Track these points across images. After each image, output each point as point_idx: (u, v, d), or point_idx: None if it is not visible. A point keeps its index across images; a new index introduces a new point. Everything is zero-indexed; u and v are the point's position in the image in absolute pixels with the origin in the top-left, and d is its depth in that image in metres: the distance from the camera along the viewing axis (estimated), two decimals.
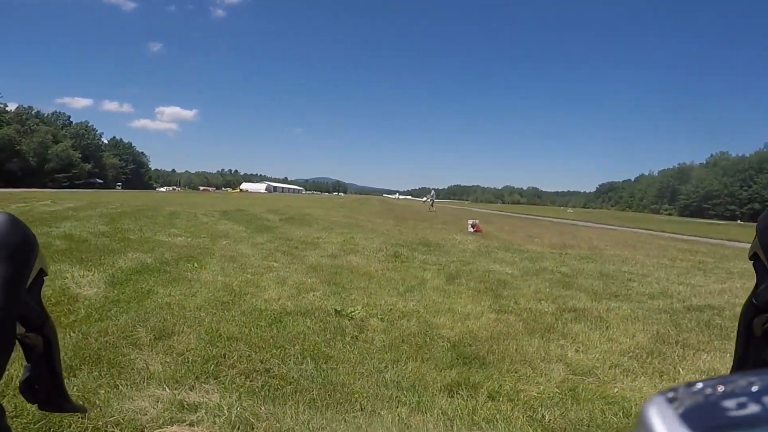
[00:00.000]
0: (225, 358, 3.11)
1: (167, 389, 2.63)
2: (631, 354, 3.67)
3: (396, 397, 2.68)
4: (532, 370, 3.22)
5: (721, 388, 0.23)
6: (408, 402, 2.64)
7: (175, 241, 8.50)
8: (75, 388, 2.58)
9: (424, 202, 39.01)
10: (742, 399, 0.22)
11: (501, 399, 2.75)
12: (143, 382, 2.69)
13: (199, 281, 5.25)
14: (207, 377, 2.81)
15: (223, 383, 2.74)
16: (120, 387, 2.62)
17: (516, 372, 3.16)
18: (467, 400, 2.71)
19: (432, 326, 4.02)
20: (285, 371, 2.94)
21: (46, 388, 0.49)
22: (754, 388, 0.23)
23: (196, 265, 6.21)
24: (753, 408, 0.22)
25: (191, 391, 2.65)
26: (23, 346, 0.47)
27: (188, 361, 3.02)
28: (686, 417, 0.22)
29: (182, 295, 4.61)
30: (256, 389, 2.68)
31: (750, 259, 0.47)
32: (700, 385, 0.24)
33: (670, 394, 0.24)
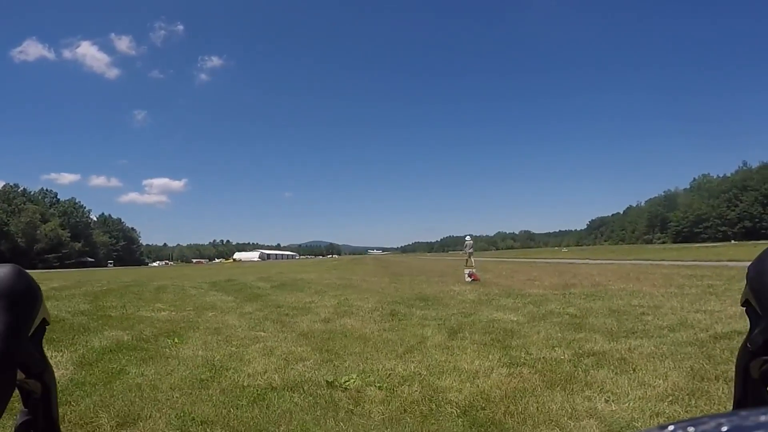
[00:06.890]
0: None
1: None
2: (671, 398, 3.21)
3: None
4: (561, 431, 2.75)
5: (691, 430, 0.22)
6: None
7: (158, 316, 8.00)
8: None
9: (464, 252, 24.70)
10: None
11: None
12: None
13: (178, 358, 4.76)
14: None
15: None
16: None
17: None
18: None
19: (437, 390, 3.53)
20: None
21: None
22: (724, 429, 0.21)
23: (176, 340, 5.72)
24: None
25: None
26: (21, 392, 0.46)
27: None
28: None
29: (156, 374, 4.14)
30: None
31: (742, 305, 0.48)
32: (671, 428, 0.22)
33: None
